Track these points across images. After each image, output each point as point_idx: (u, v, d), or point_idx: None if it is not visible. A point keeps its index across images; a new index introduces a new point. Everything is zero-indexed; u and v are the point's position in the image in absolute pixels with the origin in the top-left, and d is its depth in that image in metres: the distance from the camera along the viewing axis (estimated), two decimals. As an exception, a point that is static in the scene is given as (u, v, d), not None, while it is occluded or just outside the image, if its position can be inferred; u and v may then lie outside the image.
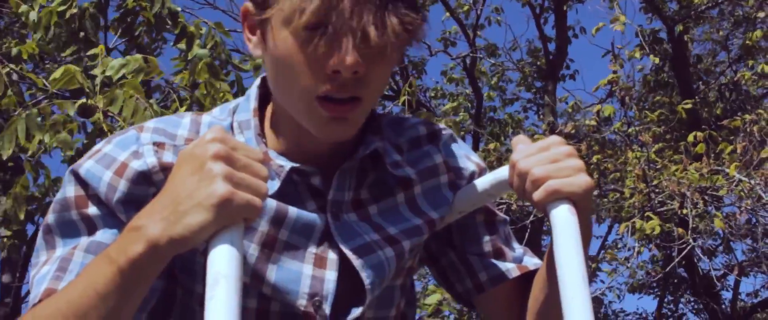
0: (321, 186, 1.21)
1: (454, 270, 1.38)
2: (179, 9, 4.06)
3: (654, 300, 10.56)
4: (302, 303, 1.17)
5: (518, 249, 1.41)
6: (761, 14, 7.26)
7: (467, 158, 1.36)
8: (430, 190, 1.30)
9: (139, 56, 3.33)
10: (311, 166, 1.21)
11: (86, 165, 1.18)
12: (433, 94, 10.43)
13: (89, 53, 3.45)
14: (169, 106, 3.54)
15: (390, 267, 1.22)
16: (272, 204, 1.17)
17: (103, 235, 1.15)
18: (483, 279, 1.36)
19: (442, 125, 1.40)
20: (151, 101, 3.14)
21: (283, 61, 1.13)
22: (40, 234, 1.19)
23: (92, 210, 1.16)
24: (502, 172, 1.24)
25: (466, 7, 9.27)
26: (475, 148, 8.65)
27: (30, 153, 3.26)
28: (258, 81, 1.28)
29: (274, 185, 1.18)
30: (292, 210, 1.19)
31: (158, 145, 1.19)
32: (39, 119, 3.08)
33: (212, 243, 0.98)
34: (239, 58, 4.23)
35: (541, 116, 9.80)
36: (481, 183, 1.30)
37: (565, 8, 9.80)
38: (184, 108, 3.46)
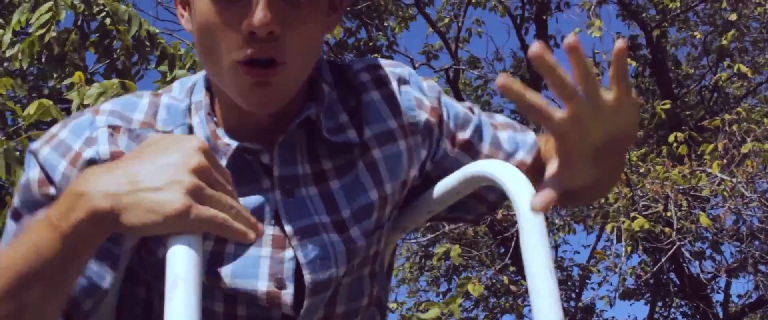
0: (270, 163, 1.19)
1: (455, 209, 1.34)
2: (157, 30, 4.07)
3: (646, 305, 10.56)
4: (263, 284, 1.15)
5: (508, 143, 1.33)
6: (733, 17, 7.34)
7: (418, 106, 1.28)
8: (390, 158, 1.24)
9: (116, 81, 3.32)
10: (259, 144, 1.18)
11: (43, 151, 1.16)
12: (416, 108, 10.45)
13: (66, 82, 3.43)
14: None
15: (336, 251, 1.18)
16: None
17: None
18: (482, 209, 1.35)
19: (388, 64, 1.31)
20: None
21: (204, 29, 1.11)
22: (7, 219, 1.17)
23: (52, 191, 1.14)
24: (473, 169, 1.22)
25: (446, 20, 9.33)
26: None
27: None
28: None
29: (222, 163, 1.15)
30: (242, 199, 1.13)
31: (113, 129, 1.17)
32: (17, 153, 3.07)
33: (170, 243, 0.95)
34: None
35: (526, 124, 9.83)
36: (451, 181, 1.26)
37: (545, 18, 9.86)
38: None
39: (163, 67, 3.99)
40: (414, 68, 8.87)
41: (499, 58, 10.52)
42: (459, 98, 9.40)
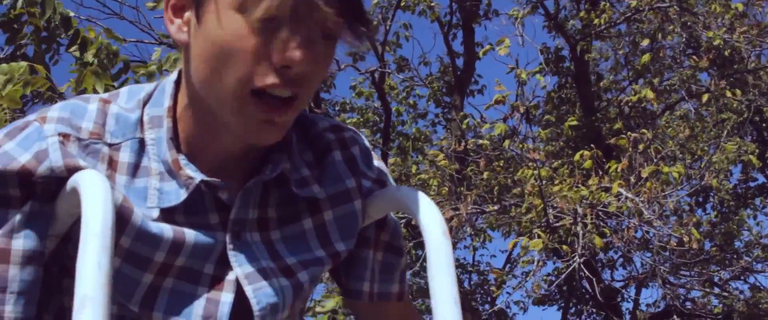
0: (228, 202, 1.15)
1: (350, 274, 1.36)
2: (71, 14, 3.89)
3: (558, 311, 10.78)
4: None
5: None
6: (646, 42, 7.54)
7: (365, 173, 1.29)
8: (343, 218, 1.24)
9: (24, 64, 3.17)
10: (220, 179, 1.14)
11: None
12: (341, 108, 10.48)
13: None
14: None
15: (285, 295, 1.17)
16: (169, 233, 1.11)
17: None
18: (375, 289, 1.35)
19: (349, 129, 1.33)
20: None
21: (224, 47, 1.05)
22: None
23: None
24: (385, 194, 1.26)
25: (374, 23, 9.36)
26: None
27: None
28: (174, 75, 1.18)
29: (181, 195, 1.12)
30: (190, 236, 1.12)
31: (64, 137, 1.09)
32: None
33: (79, 258, 0.96)
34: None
35: (449, 130, 9.94)
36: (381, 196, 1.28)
37: (472, 25, 9.98)
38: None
39: (75, 52, 3.87)
40: (339, 69, 8.82)
41: (426, 62, 10.60)
42: (383, 100, 9.46)
